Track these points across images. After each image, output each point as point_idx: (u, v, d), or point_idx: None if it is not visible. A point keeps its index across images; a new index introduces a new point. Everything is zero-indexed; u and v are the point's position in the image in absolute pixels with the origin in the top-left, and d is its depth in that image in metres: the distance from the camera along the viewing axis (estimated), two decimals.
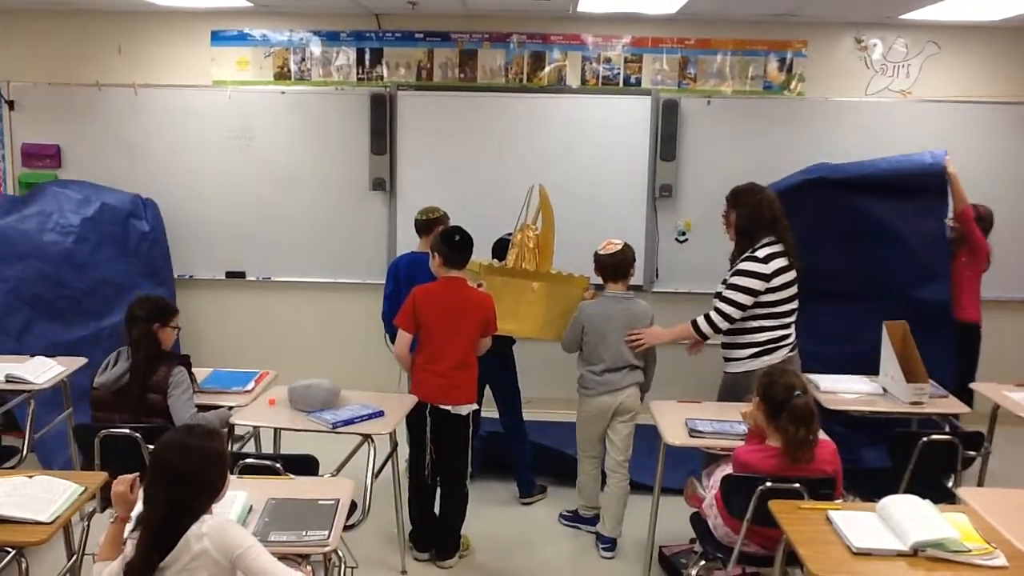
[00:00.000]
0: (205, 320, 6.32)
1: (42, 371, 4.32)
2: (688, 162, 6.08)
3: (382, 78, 6.18)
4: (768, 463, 3.22)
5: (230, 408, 3.98)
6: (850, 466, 3.51)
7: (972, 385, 4.59)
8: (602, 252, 4.35)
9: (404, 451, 4.29)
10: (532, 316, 4.47)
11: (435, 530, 4.32)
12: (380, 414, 3.89)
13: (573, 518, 4.67)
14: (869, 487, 3.82)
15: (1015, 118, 6.01)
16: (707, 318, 4.24)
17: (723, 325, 4.21)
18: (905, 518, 2.78)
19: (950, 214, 5.09)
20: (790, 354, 4.24)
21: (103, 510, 3.50)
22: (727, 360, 4.33)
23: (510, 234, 4.61)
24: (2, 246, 5.32)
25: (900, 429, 4.03)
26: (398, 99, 6.10)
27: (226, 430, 3.85)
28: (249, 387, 4.24)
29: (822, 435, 3.32)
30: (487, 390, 4.88)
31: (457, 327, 4.08)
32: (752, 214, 4.22)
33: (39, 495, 2.88)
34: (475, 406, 4.21)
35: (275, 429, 4.14)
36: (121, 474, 2.56)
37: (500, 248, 4.74)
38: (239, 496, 2.91)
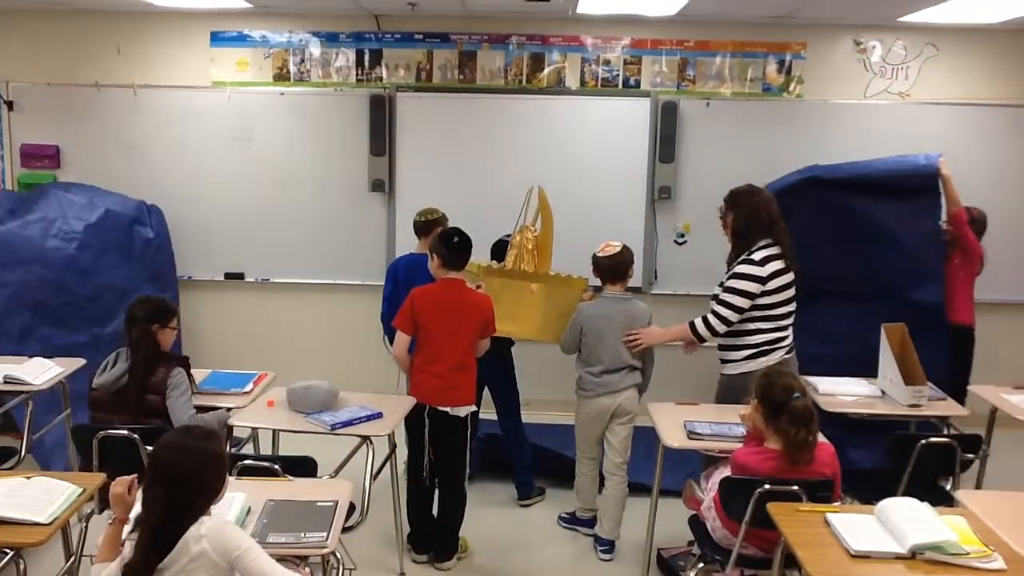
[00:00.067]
0: (204, 321, 6.32)
1: (40, 372, 4.32)
2: (687, 164, 6.08)
3: (381, 79, 6.18)
4: (767, 465, 3.22)
5: (229, 409, 3.97)
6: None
7: (971, 388, 4.59)
8: (600, 254, 4.35)
9: (403, 453, 4.28)
10: (531, 317, 4.47)
11: (433, 532, 4.32)
12: (379, 416, 3.88)
13: (571, 520, 4.68)
14: (866, 489, 3.83)
15: (1013, 120, 6.02)
16: (704, 321, 4.24)
17: (720, 328, 4.21)
18: (903, 521, 2.79)
19: (943, 216, 5.09)
20: (787, 356, 4.24)
21: (101, 511, 3.50)
22: (723, 362, 4.34)
23: (509, 235, 4.62)
24: (4, 251, 5.33)
25: (898, 432, 4.04)
26: (397, 100, 6.10)
27: (224, 431, 3.85)
28: (248, 388, 4.23)
29: (820, 437, 3.32)
30: (486, 392, 4.88)
31: (456, 328, 4.08)
32: (749, 216, 4.22)
33: (37, 496, 2.88)
34: (474, 408, 4.21)
35: (274, 430, 4.14)
36: (119, 475, 2.56)
37: (499, 249, 4.74)
38: (237, 497, 2.90)
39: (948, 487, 4.02)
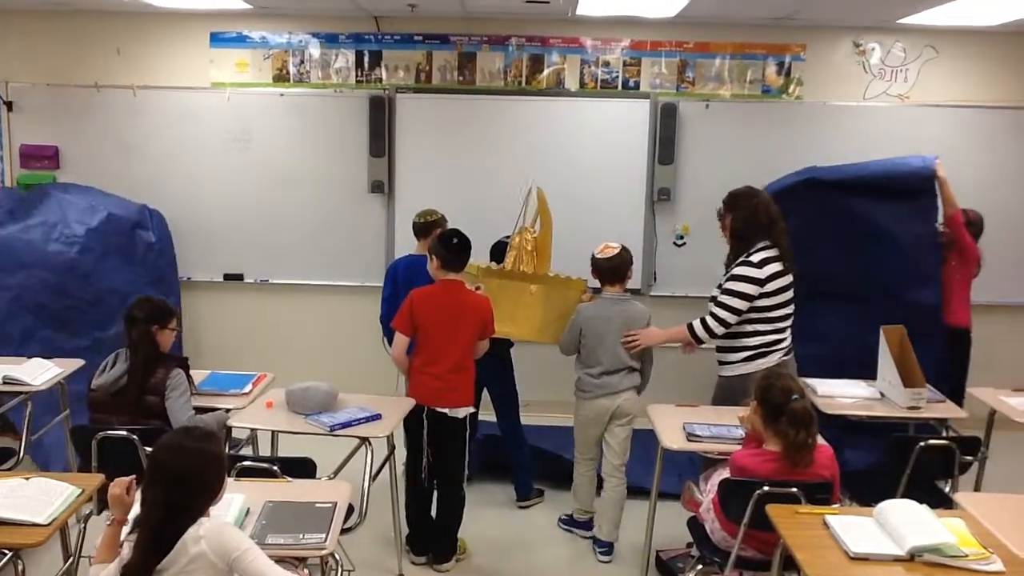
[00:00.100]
0: (202, 322, 6.32)
1: (39, 373, 4.32)
2: (686, 166, 6.09)
3: (381, 80, 6.18)
4: (766, 467, 3.22)
5: (227, 411, 3.97)
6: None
7: (969, 390, 4.59)
8: (599, 255, 4.35)
9: (401, 454, 4.28)
10: (530, 319, 4.47)
11: (432, 533, 4.32)
12: (378, 417, 3.88)
13: (569, 522, 4.67)
14: (865, 491, 3.83)
15: (1012, 122, 6.02)
16: (703, 323, 4.24)
17: (719, 330, 4.21)
18: (902, 523, 2.79)
19: (939, 219, 5.09)
20: (784, 358, 4.24)
21: (100, 512, 3.50)
22: (721, 364, 4.34)
23: (508, 237, 4.62)
24: (6, 255, 5.34)
25: (897, 434, 4.04)
26: (397, 101, 6.10)
27: (223, 432, 3.85)
28: (247, 389, 4.23)
29: (819, 439, 3.32)
30: (485, 393, 4.88)
31: (454, 330, 4.08)
32: (748, 218, 4.22)
33: (36, 497, 2.88)
34: (472, 409, 4.21)
35: (272, 432, 4.14)
36: (118, 476, 2.56)
37: (498, 251, 4.74)
38: (236, 499, 2.90)
39: (947, 489, 4.02)
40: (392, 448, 4.10)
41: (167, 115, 6.16)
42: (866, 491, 3.80)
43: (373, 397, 4.13)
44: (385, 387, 4.96)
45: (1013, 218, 6.02)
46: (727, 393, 4.24)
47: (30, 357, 4.50)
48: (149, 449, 3.34)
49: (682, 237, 6.19)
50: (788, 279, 4.21)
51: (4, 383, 4.19)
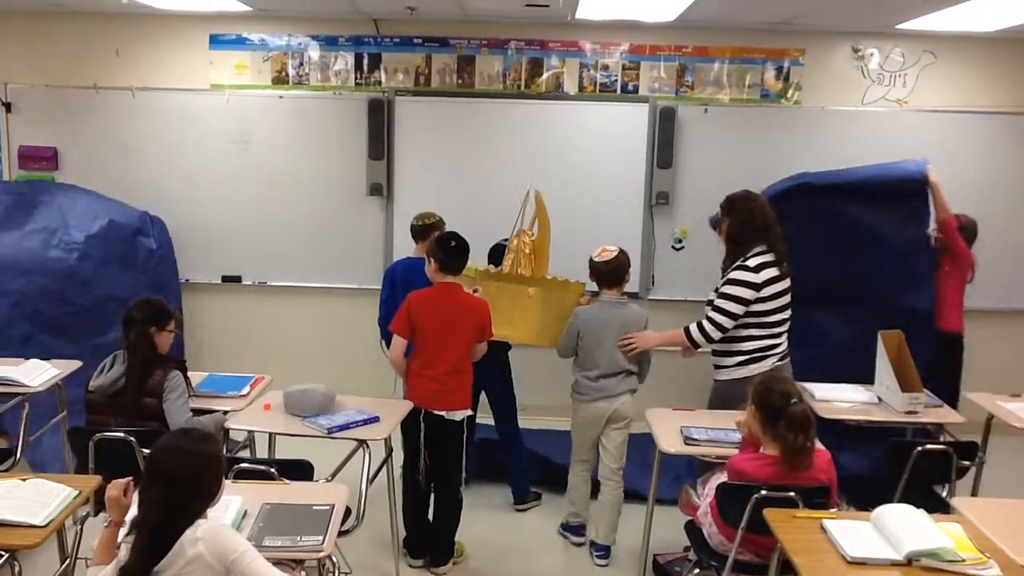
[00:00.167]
0: (200, 324, 6.32)
1: (36, 374, 4.32)
2: (685, 170, 6.09)
3: (380, 83, 6.18)
4: (764, 471, 3.22)
5: (225, 412, 3.97)
6: None
7: (968, 395, 4.59)
8: (597, 258, 4.35)
9: (399, 457, 4.28)
10: (528, 322, 4.47)
11: (429, 536, 4.31)
12: (375, 420, 3.88)
13: (564, 527, 4.65)
14: (863, 495, 3.83)
15: (1010, 128, 6.03)
16: (699, 327, 4.24)
17: (715, 335, 4.21)
18: (899, 527, 2.79)
19: (932, 224, 5.10)
20: (780, 363, 4.24)
21: (97, 514, 3.49)
22: (716, 368, 4.35)
23: (506, 239, 4.62)
24: (5, 261, 5.36)
25: (895, 438, 4.04)
26: (396, 104, 6.10)
27: (221, 434, 3.84)
28: (244, 392, 4.23)
29: (817, 443, 3.32)
30: (483, 396, 4.88)
31: (452, 332, 4.08)
32: (745, 221, 4.23)
33: (33, 498, 2.87)
34: (469, 412, 4.20)
35: (270, 434, 4.14)
36: (115, 478, 2.56)
37: (496, 254, 4.75)
38: (234, 501, 2.90)
39: (944, 494, 4.03)
40: (390, 451, 4.10)
41: (166, 117, 6.16)
42: (864, 495, 3.79)
43: (371, 399, 4.12)
44: (383, 389, 4.96)
45: (1010, 223, 6.03)
46: (722, 397, 4.25)
47: (28, 358, 4.50)
48: (146, 451, 3.35)
49: (680, 241, 6.19)
50: (784, 284, 4.21)
51: (1, 384, 4.18)
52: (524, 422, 5.03)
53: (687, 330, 4.28)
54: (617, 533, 4.41)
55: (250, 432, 4.12)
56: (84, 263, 5.55)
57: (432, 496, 4.29)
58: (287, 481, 3.30)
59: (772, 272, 4.16)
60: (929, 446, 3.88)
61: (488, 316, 4.14)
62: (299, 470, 3.47)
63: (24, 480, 2.99)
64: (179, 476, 2.37)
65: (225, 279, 6.35)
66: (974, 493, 4.27)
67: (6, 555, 2.82)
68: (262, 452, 4.31)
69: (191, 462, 2.41)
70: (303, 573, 2.89)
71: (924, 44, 6.02)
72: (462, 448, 4.20)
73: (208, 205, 6.23)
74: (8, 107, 6.17)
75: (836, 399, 4.30)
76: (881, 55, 6.07)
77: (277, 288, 6.36)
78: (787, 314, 4.26)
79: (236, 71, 6.19)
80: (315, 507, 2.97)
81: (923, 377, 4.22)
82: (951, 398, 4.67)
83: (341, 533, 3.03)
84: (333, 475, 3.79)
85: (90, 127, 6.19)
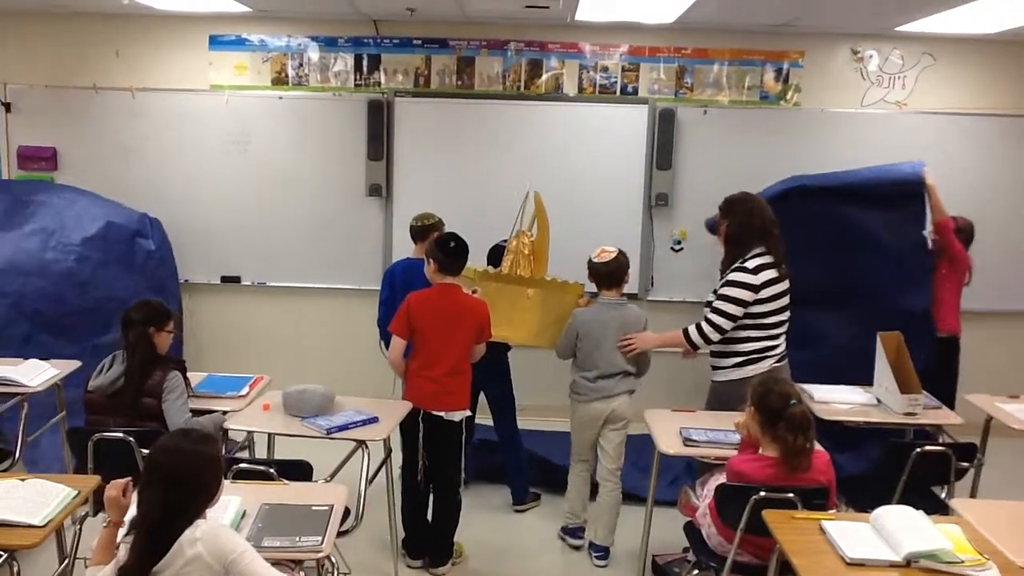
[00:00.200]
0: (200, 324, 6.32)
1: (35, 374, 4.31)
2: (684, 171, 6.09)
3: (380, 84, 6.19)
4: (764, 472, 3.22)
5: (224, 413, 3.97)
6: None
7: (966, 397, 4.59)
8: (596, 259, 4.35)
9: (398, 457, 4.28)
10: (527, 323, 4.47)
11: (428, 537, 4.31)
12: (374, 420, 3.88)
13: (563, 530, 4.64)
14: (861, 496, 3.84)
15: (1009, 130, 6.04)
16: (698, 328, 4.24)
17: (714, 336, 4.21)
18: (898, 529, 2.79)
19: (928, 226, 5.10)
20: (777, 364, 4.24)
21: (95, 514, 3.48)
22: (714, 369, 4.36)
23: (505, 240, 4.62)
24: (2, 263, 5.37)
25: (894, 439, 4.04)
26: (395, 105, 6.11)
27: (220, 435, 3.84)
28: (243, 392, 4.23)
29: (816, 444, 3.32)
30: (482, 397, 4.88)
31: (451, 333, 4.08)
32: (743, 223, 4.23)
33: (32, 498, 2.87)
34: (468, 412, 4.21)
35: (269, 434, 4.14)
36: (114, 478, 2.56)
37: (495, 254, 4.75)
38: (233, 501, 2.90)
39: (943, 495, 4.03)
40: (389, 451, 4.10)
41: (166, 117, 6.16)
42: (862, 497, 3.80)
43: (370, 400, 4.13)
44: (382, 390, 4.96)
45: (1009, 225, 6.04)
46: (720, 398, 4.25)
47: (27, 359, 4.50)
48: (145, 451, 3.34)
49: (679, 242, 6.20)
50: (783, 286, 4.21)
51: (0, 384, 4.19)
52: (523, 423, 5.03)
53: (686, 331, 4.28)
54: (616, 534, 4.41)
55: (249, 432, 4.12)
56: (82, 265, 5.56)
57: (431, 497, 4.29)
58: (286, 481, 3.30)
59: (771, 274, 4.16)
60: (928, 447, 3.88)
61: (487, 317, 4.14)
62: (298, 470, 3.47)
63: (23, 480, 2.98)
64: (178, 476, 2.37)
65: (224, 279, 6.35)
66: (973, 494, 4.27)
67: (5, 555, 2.82)
68: (261, 452, 4.31)
69: (190, 462, 2.41)
70: (302, 573, 2.89)
71: (923, 46, 6.03)
72: (461, 449, 4.20)
73: (207, 205, 6.23)
74: (8, 107, 6.17)
75: (835, 400, 4.30)
76: (880, 57, 6.07)
77: (276, 289, 6.36)
78: (785, 316, 4.27)
79: (236, 72, 6.20)
80: (314, 507, 2.97)
81: (921, 378, 4.23)
82: (948, 400, 4.68)
83: (340, 533, 3.03)
84: (332, 476, 3.79)
85: (90, 127, 6.19)
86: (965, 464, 3.97)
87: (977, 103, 6.06)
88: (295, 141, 6.19)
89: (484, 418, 4.94)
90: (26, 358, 4.53)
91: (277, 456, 4.17)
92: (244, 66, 6.19)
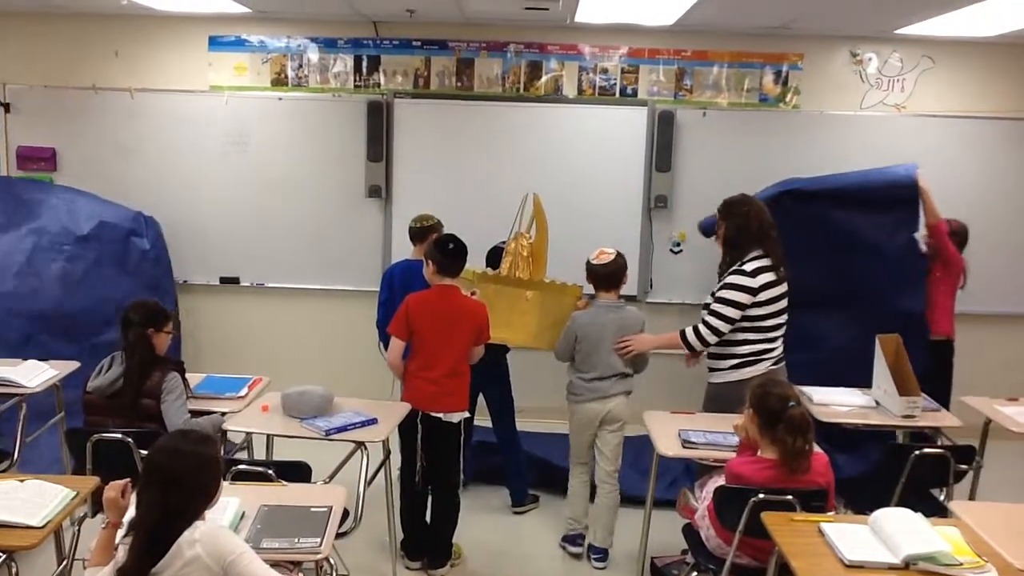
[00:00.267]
0: (199, 325, 6.31)
1: (34, 375, 4.31)
2: (683, 173, 6.10)
3: (379, 85, 6.19)
4: (763, 475, 3.22)
5: (223, 414, 3.96)
6: None
7: (964, 399, 4.59)
8: (595, 261, 4.35)
9: (397, 459, 4.28)
10: (525, 325, 4.47)
11: (427, 538, 4.31)
12: (373, 422, 3.88)
13: (564, 539, 4.62)
14: (860, 498, 3.84)
15: (1008, 133, 6.04)
16: (695, 331, 4.24)
17: (711, 339, 4.21)
18: (897, 531, 2.79)
19: (922, 229, 5.09)
20: (774, 367, 4.24)
21: (94, 515, 3.48)
22: (711, 370, 4.36)
23: (504, 242, 4.62)
24: None
25: (893, 442, 4.05)
26: (395, 107, 6.11)
27: (219, 436, 3.84)
28: (242, 393, 4.23)
29: (815, 446, 3.33)
30: (480, 398, 4.87)
31: (450, 335, 4.08)
32: (741, 225, 4.23)
33: (31, 499, 2.87)
34: (467, 414, 4.21)
35: (268, 435, 4.14)
36: (113, 479, 2.56)
37: (494, 256, 4.75)
38: (231, 502, 2.90)
39: (942, 498, 4.03)
40: (388, 453, 4.10)
41: (165, 118, 6.16)
42: (861, 499, 3.80)
43: (369, 401, 4.13)
44: (381, 391, 4.96)
45: (1007, 228, 6.04)
46: (716, 400, 4.26)
47: (26, 359, 4.49)
48: (144, 452, 3.34)
49: (678, 244, 6.20)
50: (781, 288, 4.21)
51: None
52: (522, 425, 5.04)
53: (683, 333, 4.28)
54: (615, 536, 4.41)
55: (248, 434, 4.12)
56: (75, 264, 5.56)
57: (430, 498, 4.29)
58: (285, 483, 3.30)
59: (769, 277, 4.16)
60: (927, 450, 3.88)
61: (486, 319, 4.14)
62: (297, 472, 3.46)
63: (22, 481, 2.98)
64: (177, 477, 2.37)
65: (223, 280, 6.35)
66: (971, 497, 4.27)
67: (4, 556, 2.81)
68: (260, 454, 4.32)
69: (189, 463, 2.41)
70: (301, 575, 2.89)
71: (923, 49, 6.03)
72: (459, 450, 4.20)
73: (207, 206, 6.23)
74: (7, 107, 6.17)
75: (834, 403, 4.30)
76: (879, 60, 6.08)
77: (275, 290, 6.36)
78: (783, 319, 4.26)
79: (235, 73, 6.20)
80: (313, 509, 2.97)
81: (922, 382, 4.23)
82: (942, 403, 4.66)
83: (339, 535, 3.02)
84: (331, 477, 3.79)
85: (89, 128, 6.18)
86: (964, 467, 3.97)
87: (976, 106, 6.06)
88: (295, 142, 6.18)
89: (483, 420, 4.94)
90: (24, 358, 4.52)
91: (276, 457, 4.16)
92: (243, 67, 6.19)
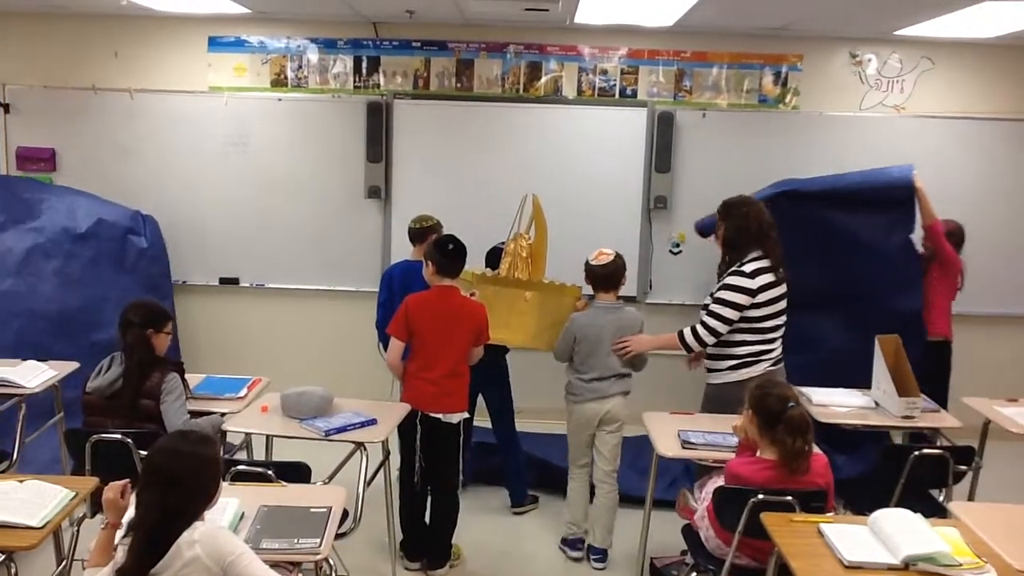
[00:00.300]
0: (197, 326, 6.31)
1: (33, 375, 4.31)
2: (683, 174, 6.10)
3: (379, 86, 6.19)
4: (762, 475, 3.22)
5: (223, 415, 3.96)
6: None
7: (965, 400, 4.59)
8: (594, 262, 4.35)
9: (396, 459, 4.28)
10: (524, 325, 4.47)
11: (426, 539, 4.31)
12: (373, 422, 3.87)
13: (563, 542, 4.62)
14: (859, 499, 3.84)
15: (1007, 134, 6.05)
16: (693, 331, 4.24)
17: (709, 339, 4.21)
18: (897, 532, 2.79)
19: (919, 230, 5.09)
20: (773, 368, 4.23)
21: (93, 516, 3.48)
22: (709, 371, 4.36)
23: (503, 243, 4.62)
24: None
25: (889, 443, 4.05)
26: (394, 107, 6.11)
27: (219, 436, 3.84)
28: (242, 394, 4.22)
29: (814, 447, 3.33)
30: (480, 399, 4.88)
31: (449, 336, 4.08)
32: (740, 226, 4.23)
33: (30, 500, 2.87)
34: (466, 415, 4.21)
35: (267, 436, 4.14)
36: (112, 480, 2.56)
37: (493, 257, 4.75)
38: (231, 503, 2.90)
39: (941, 498, 4.03)
40: (387, 453, 4.10)
41: (164, 118, 6.16)
42: (860, 499, 3.80)
43: (368, 402, 4.12)
44: (380, 392, 4.96)
45: (1007, 229, 6.05)
46: (714, 401, 4.26)
47: (25, 359, 4.49)
48: (144, 453, 3.34)
49: (678, 245, 6.20)
50: (780, 290, 4.21)
51: None
52: (521, 425, 5.04)
53: (681, 334, 4.29)
54: (615, 537, 4.41)
55: (247, 434, 4.12)
56: (72, 263, 5.56)
57: (429, 499, 4.29)
58: (284, 483, 3.30)
59: (768, 278, 4.16)
60: (926, 450, 3.88)
61: (485, 319, 4.15)
62: (296, 472, 3.46)
63: (21, 482, 2.98)
64: (177, 478, 2.37)
65: (223, 281, 6.35)
66: (971, 498, 4.27)
67: (3, 556, 2.81)
68: (259, 454, 4.32)
69: (189, 464, 2.41)
70: (300, 575, 2.89)
71: (922, 50, 6.04)
72: (458, 451, 4.20)
73: (206, 207, 6.23)
74: (6, 108, 6.17)
75: (833, 403, 4.30)
76: (879, 61, 6.08)
77: (275, 290, 6.36)
78: (782, 320, 4.26)
79: (235, 73, 6.20)
80: (312, 509, 2.97)
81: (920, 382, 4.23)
82: (940, 404, 4.67)
83: (338, 535, 3.02)
84: (330, 477, 3.79)
85: (88, 128, 6.18)
86: (963, 467, 3.97)
87: (975, 107, 6.07)
88: (294, 143, 6.19)
89: (483, 420, 4.94)
90: (23, 359, 4.52)
91: (275, 458, 4.16)
92: (243, 68, 6.19)
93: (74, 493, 2.97)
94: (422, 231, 4.74)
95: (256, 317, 6.40)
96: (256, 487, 3.21)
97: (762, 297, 4.15)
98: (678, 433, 3.84)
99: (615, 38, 6.08)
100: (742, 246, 4.23)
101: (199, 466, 2.42)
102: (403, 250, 5.18)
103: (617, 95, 6.16)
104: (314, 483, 3.56)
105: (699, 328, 4.23)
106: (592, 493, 4.48)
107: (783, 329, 4.29)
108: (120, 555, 2.38)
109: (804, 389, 4.30)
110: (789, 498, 3.14)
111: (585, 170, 6.08)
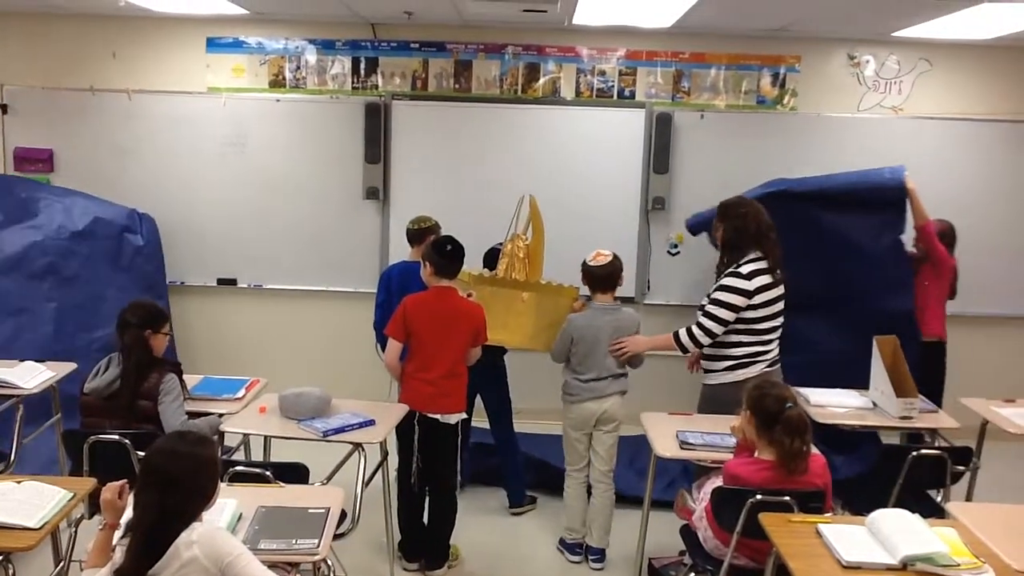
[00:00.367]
0: (195, 327, 6.31)
1: (31, 376, 4.30)
2: (681, 175, 6.10)
3: (377, 87, 6.19)
4: (760, 476, 3.22)
5: (220, 415, 3.96)
6: None
7: (963, 400, 4.60)
8: (591, 263, 4.35)
9: (395, 460, 4.28)
10: (522, 326, 4.47)
11: (424, 539, 4.31)
12: (371, 423, 3.87)
13: (561, 543, 4.62)
14: (857, 499, 3.84)
15: (1005, 135, 6.05)
16: (689, 332, 4.24)
17: (704, 340, 4.22)
18: (895, 532, 2.79)
19: (909, 230, 5.09)
20: (769, 369, 4.24)
21: (91, 517, 3.48)
22: (705, 372, 4.37)
23: (501, 244, 4.62)
24: None
25: (884, 443, 4.05)
26: (392, 108, 6.11)
27: (216, 437, 3.84)
28: (239, 395, 4.22)
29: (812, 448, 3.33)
30: (478, 400, 4.87)
31: (447, 336, 4.08)
32: (738, 227, 4.24)
33: (28, 501, 2.86)
34: (464, 415, 4.21)
35: (265, 437, 4.13)
36: (110, 480, 2.56)
37: (491, 258, 4.75)
38: (229, 504, 2.89)
39: (939, 499, 4.03)
40: (385, 454, 4.10)
41: (162, 119, 6.16)
42: (859, 500, 3.81)
43: (366, 403, 4.12)
44: (378, 393, 4.95)
45: (1005, 230, 6.05)
46: (710, 402, 4.27)
47: (22, 360, 4.48)
48: (141, 453, 3.33)
49: (676, 246, 6.20)
50: (777, 291, 4.21)
51: None
52: (519, 426, 5.04)
53: (676, 335, 4.29)
54: (613, 537, 4.41)
55: (245, 435, 4.12)
56: (68, 261, 5.56)
57: (427, 499, 4.29)
58: (282, 484, 3.29)
59: (765, 279, 4.17)
60: (924, 451, 3.88)
61: (483, 320, 4.15)
62: (294, 473, 3.46)
63: (19, 482, 2.98)
64: (175, 479, 2.36)
65: (220, 282, 6.34)
66: (968, 498, 4.28)
67: (1, 557, 2.81)
68: (257, 455, 4.32)
69: (187, 465, 2.40)
70: None
71: (920, 51, 6.04)
72: (456, 451, 4.20)
73: (204, 208, 6.23)
74: (4, 109, 6.17)
75: (831, 404, 4.30)
76: (877, 62, 6.09)
77: (273, 291, 6.36)
78: (778, 321, 4.27)
79: (233, 74, 6.20)
80: (310, 510, 2.97)
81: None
82: (935, 404, 4.68)
83: (336, 536, 3.02)
84: (328, 478, 3.78)
85: (86, 129, 6.18)
86: (961, 468, 3.97)
87: (973, 108, 6.08)
88: (292, 144, 6.18)
89: (481, 421, 4.95)
90: (14, 356, 4.51)
91: (273, 459, 4.16)
92: (241, 68, 6.19)
93: (72, 494, 2.97)
94: (420, 232, 4.74)
95: (254, 318, 6.40)
96: (254, 488, 3.21)
97: (759, 299, 4.16)
98: (676, 434, 3.84)
99: (613, 39, 6.08)
100: (741, 247, 4.23)
101: (197, 467, 2.41)
102: (401, 251, 5.18)
103: (615, 96, 6.16)
104: (312, 484, 3.56)
105: (694, 329, 4.23)
106: (589, 494, 4.48)
107: (780, 330, 4.29)
108: (118, 556, 2.38)
109: (802, 390, 4.31)
110: (787, 498, 3.14)
111: (583, 171, 6.09)
